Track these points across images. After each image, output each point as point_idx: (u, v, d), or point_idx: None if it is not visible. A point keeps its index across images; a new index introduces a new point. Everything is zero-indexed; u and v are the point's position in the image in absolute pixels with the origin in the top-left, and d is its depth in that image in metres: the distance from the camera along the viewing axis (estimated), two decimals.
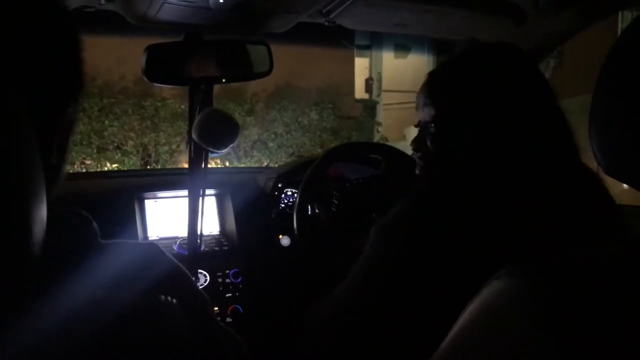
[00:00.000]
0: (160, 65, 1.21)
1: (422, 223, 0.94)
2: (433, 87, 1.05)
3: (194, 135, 1.15)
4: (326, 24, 1.37)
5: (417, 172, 1.12)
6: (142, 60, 1.19)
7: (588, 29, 1.41)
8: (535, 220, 0.91)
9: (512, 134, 0.96)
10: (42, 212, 0.43)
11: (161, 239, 1.73)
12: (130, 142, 6.42)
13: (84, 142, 6.09)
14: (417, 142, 1.10)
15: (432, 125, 1.04)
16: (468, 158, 0.98)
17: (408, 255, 0.94)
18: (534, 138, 0.96)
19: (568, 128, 1.00)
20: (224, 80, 1.26)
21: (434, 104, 1.03)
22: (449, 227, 0.92)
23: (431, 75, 1.08)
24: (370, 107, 8.48)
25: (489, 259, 0.67)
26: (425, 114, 1.06)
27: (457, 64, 1.04)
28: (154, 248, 0.59)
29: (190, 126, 1.18)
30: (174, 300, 0.52)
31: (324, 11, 1.32)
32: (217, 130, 1.15)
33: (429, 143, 1.05)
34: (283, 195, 1.81)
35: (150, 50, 1.19)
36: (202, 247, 1.60)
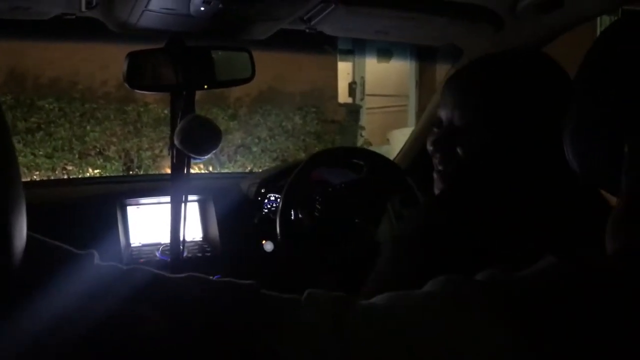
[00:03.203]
0: (142, 72, 1.22)
1: (450, 232, 0.85)
2: (483, 89, 0.94)
3: (176, 142, 1.16)
4: (307, 30, 1.38)
5: (438, 176, 1.01)
6: (124, 67, 1.19)
7: (566, 33, 1.43)
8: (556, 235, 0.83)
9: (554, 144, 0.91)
10: (22, 220, 0.43)
11: (144, 245, 1.72)
12: (113, 148, 6.35)
13: (65, 148, 6.01)
14: (441, 144, 0.98)
15: (468, 128, 0.94)
16: (506, 164, 0.92)
17: (434, 265, 0.86)
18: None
19: None
20: (205, 86, 1.27)
21: (477, 106, 0.94)
22: (478, 235, 0.84)
23: (477, 75, 0.97)
24: (353, 111, 8.47)
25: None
26: (458, 114, 0.95)
27: (511, 66, 0.95)
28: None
29: (172, 133, 1.18)
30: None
31: (305, 18, 1.33)
32: (199, 137, 1.15)
33: (461, 147, 0.94)
34: (266, 201, 1.81)
35: (132, 57, 1.20)
36: (185, 253, 1.59)
